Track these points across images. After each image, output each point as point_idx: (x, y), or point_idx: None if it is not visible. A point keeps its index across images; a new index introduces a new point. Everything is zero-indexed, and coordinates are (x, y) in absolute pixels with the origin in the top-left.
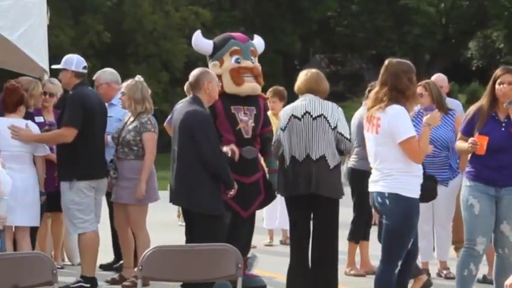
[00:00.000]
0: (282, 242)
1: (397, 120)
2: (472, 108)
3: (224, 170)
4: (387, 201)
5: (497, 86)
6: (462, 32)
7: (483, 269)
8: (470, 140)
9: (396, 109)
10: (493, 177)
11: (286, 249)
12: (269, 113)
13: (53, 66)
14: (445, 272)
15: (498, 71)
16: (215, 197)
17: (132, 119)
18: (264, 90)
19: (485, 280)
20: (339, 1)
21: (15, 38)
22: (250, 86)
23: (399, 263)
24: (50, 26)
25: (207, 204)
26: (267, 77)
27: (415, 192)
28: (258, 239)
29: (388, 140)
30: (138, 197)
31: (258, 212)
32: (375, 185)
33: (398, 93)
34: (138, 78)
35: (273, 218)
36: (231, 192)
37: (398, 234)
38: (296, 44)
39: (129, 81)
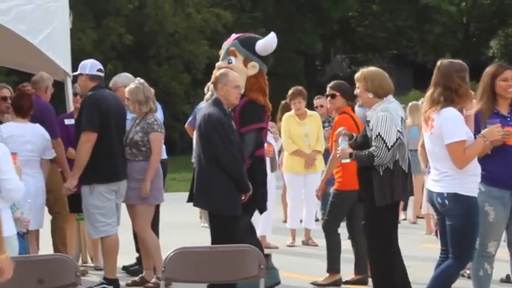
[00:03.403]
0: (304, 243)
1: (448, 123)
2: (469, 114)
3: (239, 173)
4: (447, 202)
5: (501, 82)
6: (483, 31)
7: (507, 269)
8: (502, 131)
9: (450, 112)
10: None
11: (308, 249)
12: (291, 113)
13: (72, 74)
14: (468, 272)
15: (496, 68)
16: (231, 198)
17: (138, 120)
18: (286, 90)
19: (508, 280)
20: (360, 1)
21: (38, 41)
22: None
23: (468, 262)
24: (72, 29)
25: (222, 205)
26: (288, 77)
27: (474, 191)
28: (281, 240)
29: (439, 141)
30: (142, 196)
31: (279, 213)
32: (434, 185)
33: (451, 93)
34: (139, 80)
35: (296, 218)
36: (247, 194)
37: (462, 233)
38: (317, 44)
39: (131, 86)
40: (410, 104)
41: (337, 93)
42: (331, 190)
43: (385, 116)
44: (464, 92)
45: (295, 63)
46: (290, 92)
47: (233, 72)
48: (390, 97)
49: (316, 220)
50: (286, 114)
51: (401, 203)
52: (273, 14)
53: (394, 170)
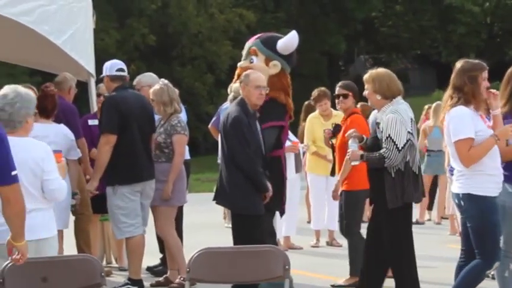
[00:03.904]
0: (328, 243)
1: (455, 121)
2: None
3: (255, 173)
4: (462, 202)
5: None
6: (507, 31)
7: None
8: None
9: (457, 111)
10: None
11: (332, 250)
12: (316, 113)
13: (99, 76)
14: (492, 272)
15: None
16: (248, 197)
17: (162, 122)
18: (309, 90)
19: None
20: (384, 1)
21: (62, 42)
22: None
23: (494, 262)
24: (95, 30)
25: (239, 204)
26: (311, 77)
27: (489, 191)
28: (305, 240)
29: (450, 140)
30: (164, 197)
31: (303, 214)
32: (453, 186)
33: (459, 92)
34: (163, 81)
35: (320, 218)
36: (266, 195)
37: (481, 234)
38: (341, 44)
39: (155, 87)
40: (434, 104)
41: (350, 93)
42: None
43: (395, 118)
44: (470, 91)
45: (318, 63)
46: (315, 93)
47: (256, 73)
48: (399, 98)
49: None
50: (311, 115)
51: (426, 204)
52: (296, 14)
53: (405, 172)
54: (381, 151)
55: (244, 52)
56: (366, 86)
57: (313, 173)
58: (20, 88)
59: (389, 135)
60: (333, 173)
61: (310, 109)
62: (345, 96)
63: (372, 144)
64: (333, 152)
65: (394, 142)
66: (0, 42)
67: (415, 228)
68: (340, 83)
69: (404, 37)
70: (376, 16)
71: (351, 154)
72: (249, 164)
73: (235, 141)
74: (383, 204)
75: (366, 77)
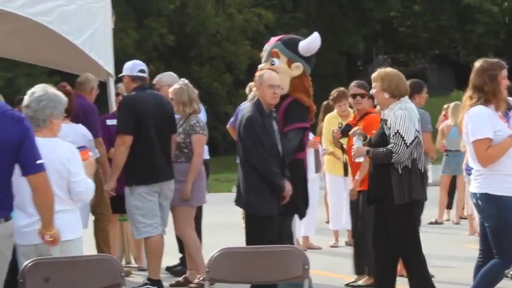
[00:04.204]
0: (347, 243)
1: (474, 120)
2: None
3: (268, 173)
4: (480, 202)
5: None
6: None
7: None
8: None
9: (476, 110)
10: None
11: (351, 250)
12: (334, 113)
13: (118, 76)
14: (511, 272)
15: None
16: (261, 198)
17: (181, 121)
18: (328, 90)
19: None
20: (402, 1)
21: (81, 42)
22: None
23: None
24: (114, 30)
25: (254, 204)
26: (330, 77)
27: (507, 191)
28: (324, 240)
29: (469, 139)
30: (183, 197)
31: (322, 214)
32: (471, 186)
33: (480, 92)
34: (183, 81)
35: (339, 219)
36: (285, 195)
37: (498, 234)
38: (359, 44)
39: (175, 86)
40: (452, 104)
41: (366, 93)
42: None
43: (403, 114)
44: (490, 90)
45: (337, 63)
46: (334, 93)
47: (269, 73)
48: (406, 98)
49: None
50: (329, 115)
51: (445, 204)
52: (314, 14)
53: (412, 169)
54: (389, 146)
55: (264, 54)
56: (373, 84)
57: (331, 173)
58: (50, 88)
59: (397, 130)
60: (346, 173)
61: (329, 109)
62: (362, 95)
63: (379, 141)
64: (343, 152)
65: (403, 138)
66: (19, 42)
67: (434, 228)
68: (355, 83)
69: (422, 37)
70: (394, 16)
71: (356, 150)
72: (262, 165)
73: (248, 141)
74: (389, 201)
75: (374, 75)
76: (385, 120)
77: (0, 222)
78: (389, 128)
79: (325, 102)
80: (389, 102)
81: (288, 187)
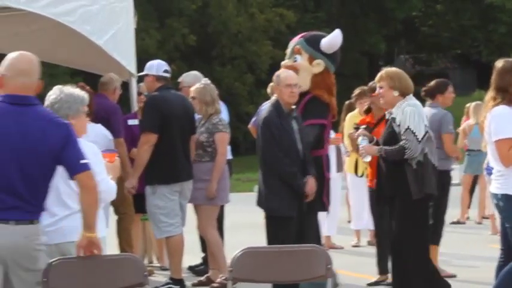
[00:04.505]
0: (370, 243)
1: (496, 120)
2: None
3: (284, 174)
4: (500, 203)
5: None
6: None
7: None
8: None
9: (499, 110)
10: None
11: (374, 250)
12: (355, 112)
13: (137, 74)
14: None
15: None
16: (280, 198)
17: (203, 121)
18: (350, 89)
19: None
20: (424, 1)
21: (103, 42)
22: None
23: None
24: (136, 30)
25: (270, 205)
26: (352, 77)
27: None
28: (346, 240)
29: (491, 139)
30: (209, 196)
31: (344, 213)
32: (491, 186)
33: (503, 92)
34: (205, 81)
35: (361, 218)
36: (307, 194)
37: None
38: (381, 44)
39: (198, 85)
40: (473, 103)
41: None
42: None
43: (412, 111)
44: None
45: (359, 63)
46: (356, 92)
47: (286, 72)
48: (411, 95)
49: None
50: (350, 114)
51: (467, 203)
52: (336, 14)
53: (424, 163)
54: (401, 143)
55: (288, 51)
56: (379, 84)
57: (353, 173)
58: (65, 88)
59: (408, 127)
60: (356, 172)
61: (351, 108)
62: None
63: (389, 139)
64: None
65: (414, 133)
66: (41, 42)
67: (456, 228)
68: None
69: (444, 36)
70: (416, 16)
71: (364, 149)
72: (278, 165)
73: (265, 142)
74: (405, 196)
75: (380, 75)
76: (394, 119)
77: (33, 223)
78: (399, 126)
79: (347, 102)
80: (397, 101)
81: (310, 185)
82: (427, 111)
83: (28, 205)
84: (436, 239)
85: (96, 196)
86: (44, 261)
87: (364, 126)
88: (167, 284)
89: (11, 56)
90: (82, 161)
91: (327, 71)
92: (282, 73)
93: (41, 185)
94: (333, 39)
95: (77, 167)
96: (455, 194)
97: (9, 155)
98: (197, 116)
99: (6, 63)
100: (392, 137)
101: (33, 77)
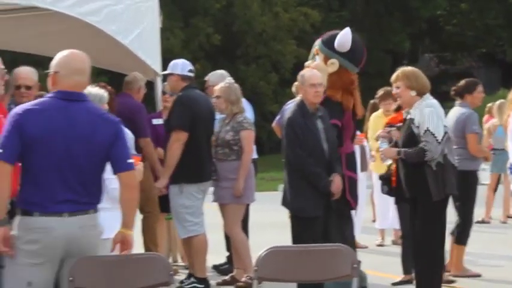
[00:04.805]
0: (394, 242)
1: None
2: None
3: (308, 173)
4: None
5: None
6: None
7: None
8: None
9: None
10: None
11: (398, 249)
12: (379, 112)
13: (161, 73)
14: None
15: None
16: (303, 199)
17: (227, 120)
18: (374, 88)
19: None
20: None
21: (129, 41)
22: None
23: None
24: (161, 29)
25: (294, 205)
26: (375, 76)
27: None
28: (370, 239)
29: None
30: (236, 195)
31: (368, 213)
32: None
33: None
34: (229, 80)
35: (385, 218)
36: (333, 192)
37: None
38: (405, 43)
39: (223, 85)
40: (497, 102)
41: None
42: None
43: (431, 112)
44: None
45: (383, 62)
46: (380, 92)
47: (310, 71)
48: (428, 95)
49: None
50: (374, 114)
51: (492, 203)
52: (361, 13)
53: (444, 164)
54: (420, 145)
55: (311, 52)
56: (396, 84)
57: (378, 172)
58: (99, 91)
59: (427, 128)
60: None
61: (375, 108)
62: None
63: (408, 141)
64: None
65: (434, 135)
66: (66, 41)
67: (480, 227)
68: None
69: (469, 35)
70: (441, 14)
71: (384, 152)
72: (301, 165)
73: (288, 142)
74: (426, 198)
75: (397, 75)
76: (412, 120)
77: (89, 213)
78: (418, 127)
79: (371, 101)
80: (414, 100)
81: (336, 183)
82: (456, 110)
83: (81, 197)
84: (463, 239)
85: (136, 195)
86: (103, 251)
87: (399, 124)
88: (192, 283)
89: (62, 54)
90: (128, 161)
91: (343, 70)
92: (307, 73)
93: (92, 178)
94: (341, 38)
95: (123, 165)
96: (481, 193)
97: (60, 148)
98: (221, 116)
99: (58, 61)
100: (412, 138)
101: (87, 75)
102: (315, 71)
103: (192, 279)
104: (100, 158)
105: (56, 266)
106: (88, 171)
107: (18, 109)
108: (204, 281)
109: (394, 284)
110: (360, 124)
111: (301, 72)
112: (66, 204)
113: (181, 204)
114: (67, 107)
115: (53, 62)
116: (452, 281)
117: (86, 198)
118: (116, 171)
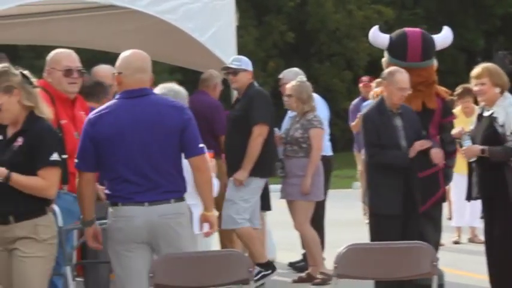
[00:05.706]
0: (470, 240)
1: None
2: None
3: (387, 158)
4: None
5: None
6: None
7: None
8: None
9: None
10: None
11: (474, 247)
12: (457, 109)
13: (232, 65)
14: None
15: None
16: (381, 196)
17: (297, 118)
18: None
19: None
20: None
21: (205, 39)
22: None
23: None
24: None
25: (374, 203)
26: (449, 73)
27: None
28: (446, 237)
29: None
30: (304, 192)
31: (444, 210)
32: None
33: None
34: (301, 78)
35: (462, 215)
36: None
37: None
38: (479, 40)
39: (294, 83)
40: None
41: None
42: None
43: None
44: None
45: (456, 59)
46: (459, 90)
47: (401, 74)
48: (508, 93)
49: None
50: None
51: None
52: (434, 11)
53: None
54: (508, 144)
55: None
56: (480, 81)
57: (455, 171)
58: (170, 86)
59: None
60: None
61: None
62: None
63: (490, 139)
64: None
65: None
66: (142, 39)
67: None
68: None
69: None
70: None
71: (467, 150)
72: (377, 157)
73: (364, 138)
74: (504, 198)
75: (479, 71)
76: (495, 118)
77: (170, 202)
78: (502, 126)
79: (449, 98)
80: (497, 98)
81: (436, 153)
82: None
83: (159, 186)
84: None
85: (209, 177)
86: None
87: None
88: (259, 272)
89: (124, 55)
90: (200, 145)
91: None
92: (397, 74)
93: (166, 166)
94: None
95: (195, 150)
96: None
97: (132, 142)
98: (292, 113)
99: (121, 62)
100: (494, 137)
101: (148, 73)
102: (406, 75)
103: (258, 269)
104: (172, 144)
105: (147, 252)
106: (161, 159)
107: (90, 115)
108: (268, 265)
109: None
110: None
111: (391, 71)
112: (145, 194)
113: (241, 196)
114: (133, 104)
115: (116, 64)
116: None
117: (165, 188)
118: (188, 155)
